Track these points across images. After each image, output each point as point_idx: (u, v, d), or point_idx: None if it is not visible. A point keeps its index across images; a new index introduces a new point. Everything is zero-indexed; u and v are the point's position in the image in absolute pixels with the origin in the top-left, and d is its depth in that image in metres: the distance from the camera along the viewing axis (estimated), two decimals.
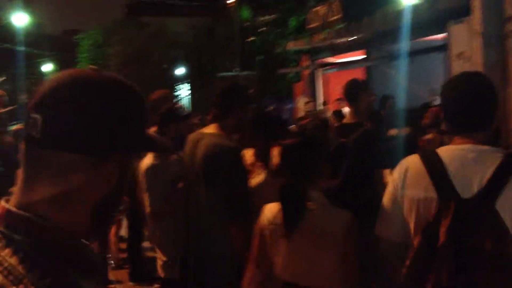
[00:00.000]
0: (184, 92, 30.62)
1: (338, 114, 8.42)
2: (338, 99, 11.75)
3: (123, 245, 6.48)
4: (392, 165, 2.30)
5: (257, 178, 3.45)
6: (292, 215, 2.32)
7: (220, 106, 3.08)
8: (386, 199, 2.03)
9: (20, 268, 0.83)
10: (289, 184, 2.38)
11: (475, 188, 1.78)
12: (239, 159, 2.98)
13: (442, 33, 9.83)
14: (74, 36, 32.47)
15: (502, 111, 6.39)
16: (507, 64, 7.08)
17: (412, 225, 1.92)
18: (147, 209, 3.61)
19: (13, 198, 0.91)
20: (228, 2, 26.92)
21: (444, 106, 1.99)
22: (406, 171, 1.96)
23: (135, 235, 5.90)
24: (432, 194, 1.84)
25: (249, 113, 3.13)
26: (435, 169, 1.85)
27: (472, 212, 1.74)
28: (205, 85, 28.52)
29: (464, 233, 1.72)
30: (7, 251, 0.85)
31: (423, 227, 1.83)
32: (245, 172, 3.08)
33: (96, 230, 0.98)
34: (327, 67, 15.12)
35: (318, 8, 14.94)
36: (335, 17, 13.82)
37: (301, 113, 13.41)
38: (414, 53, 10.74)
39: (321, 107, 13.03)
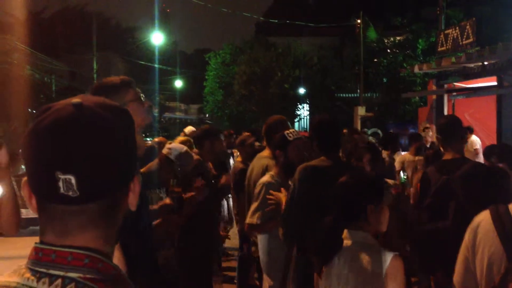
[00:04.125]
0: (304, 112, 30.75)
1: None
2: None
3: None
4: None
5: None
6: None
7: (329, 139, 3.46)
8: (459, 259, 1.99)
9: None
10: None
11: None
12: None
13: None
14: (205, 54, 34.11)
15: None
16: None
17: (483, 284, 1.86)
18: (251, 220, 3.79)
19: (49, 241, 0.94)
20: (356, 23, 26.69)
21: None
22: (476, 230, 1.90)
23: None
24: (501, 254, 1.77)
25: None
26: (504, 228, 1.78)
27: None
28: (326, 105, 28.45)
29: None
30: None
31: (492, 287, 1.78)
32: None
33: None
34: (456, 92, 14.29)
35: (449, 30, 14.23)
36: (467, 41, 13.08)
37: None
38: None
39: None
